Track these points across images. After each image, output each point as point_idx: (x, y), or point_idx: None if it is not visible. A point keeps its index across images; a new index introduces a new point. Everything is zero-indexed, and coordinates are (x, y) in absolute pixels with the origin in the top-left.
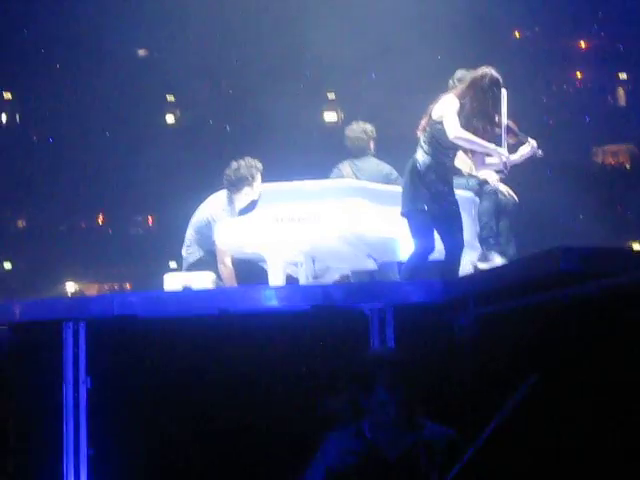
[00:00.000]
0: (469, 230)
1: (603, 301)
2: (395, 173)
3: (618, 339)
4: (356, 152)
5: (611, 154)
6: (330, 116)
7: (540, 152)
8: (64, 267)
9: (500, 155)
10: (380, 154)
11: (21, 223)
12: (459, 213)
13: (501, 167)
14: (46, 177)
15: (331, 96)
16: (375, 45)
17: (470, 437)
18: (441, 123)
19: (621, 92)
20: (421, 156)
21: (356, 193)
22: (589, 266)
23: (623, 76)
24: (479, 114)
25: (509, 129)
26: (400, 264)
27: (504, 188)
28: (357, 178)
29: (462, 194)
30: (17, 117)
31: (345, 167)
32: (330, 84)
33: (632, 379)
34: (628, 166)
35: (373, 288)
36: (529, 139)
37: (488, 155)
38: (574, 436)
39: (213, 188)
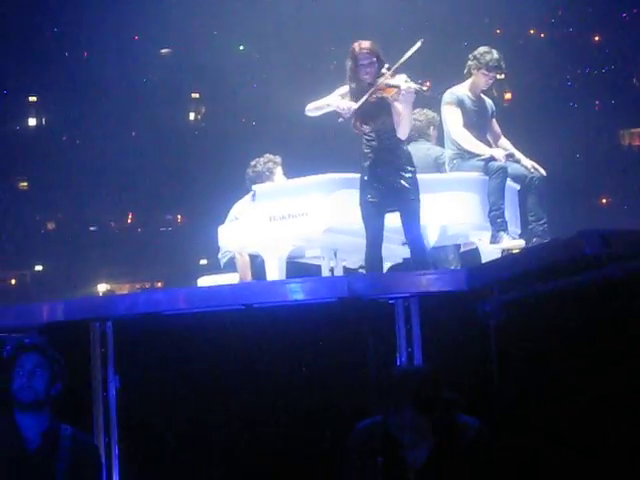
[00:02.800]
0: (479, 211)
1: (628, 283)
2: (444, 157)
3: None
4: (415, 136)
5: (638, 136)
6: None
7: (424, 89)
8: (95, 268)
9: (341, 108)
10: None
11: (51, 225)
12: (408, 197)
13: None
14: (74, 178)
15: None
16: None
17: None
18: None
19: None
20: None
21: (342, 185)
22: (613, 249)
23: None
24: (350, 93)
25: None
26: (457, 247)
27: (529, 163)
28: None
29: (468, 175)
30: (43, 120)
31: None
32: None
33: None
34: None
35: (397, 278)
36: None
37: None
38: (607, 416)
39: (241, 184)
